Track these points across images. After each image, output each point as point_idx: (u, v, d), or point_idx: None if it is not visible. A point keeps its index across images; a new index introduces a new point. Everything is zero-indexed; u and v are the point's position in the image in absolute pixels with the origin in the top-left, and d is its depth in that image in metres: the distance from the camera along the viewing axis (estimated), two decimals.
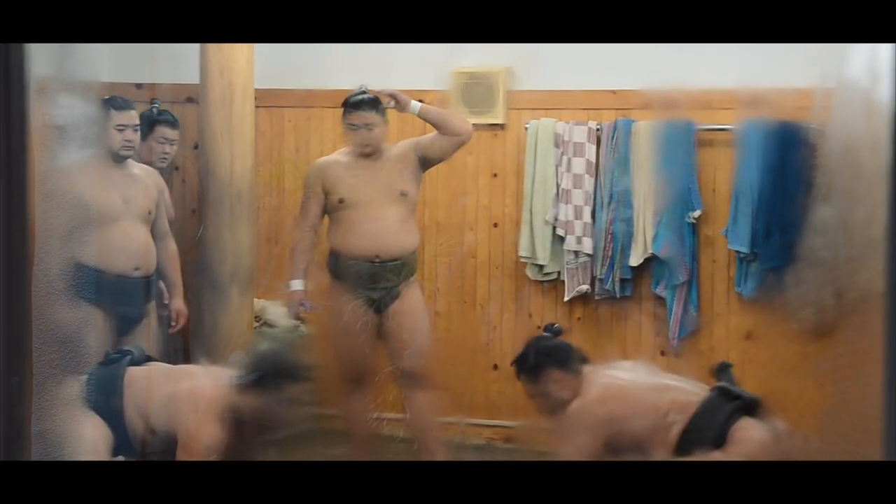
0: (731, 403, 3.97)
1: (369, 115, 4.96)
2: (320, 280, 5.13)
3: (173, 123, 5.54)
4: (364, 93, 5.01)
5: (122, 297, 4.64)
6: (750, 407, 4.00)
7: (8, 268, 1.66)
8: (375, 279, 4.95)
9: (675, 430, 3.95)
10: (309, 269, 5.06)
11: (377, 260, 4.94)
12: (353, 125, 4.98)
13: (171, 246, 5.03)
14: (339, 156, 5.13)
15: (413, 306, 5.03)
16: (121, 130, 4.72)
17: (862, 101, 3.53)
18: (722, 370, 4.25)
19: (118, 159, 4.77)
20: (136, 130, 4.80)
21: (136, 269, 4.70)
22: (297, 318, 5.11)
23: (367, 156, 5.00)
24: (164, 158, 5.41)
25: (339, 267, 5.00)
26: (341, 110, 5.09)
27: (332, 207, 5.02)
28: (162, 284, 5.01)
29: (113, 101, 4.78)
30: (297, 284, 5.02)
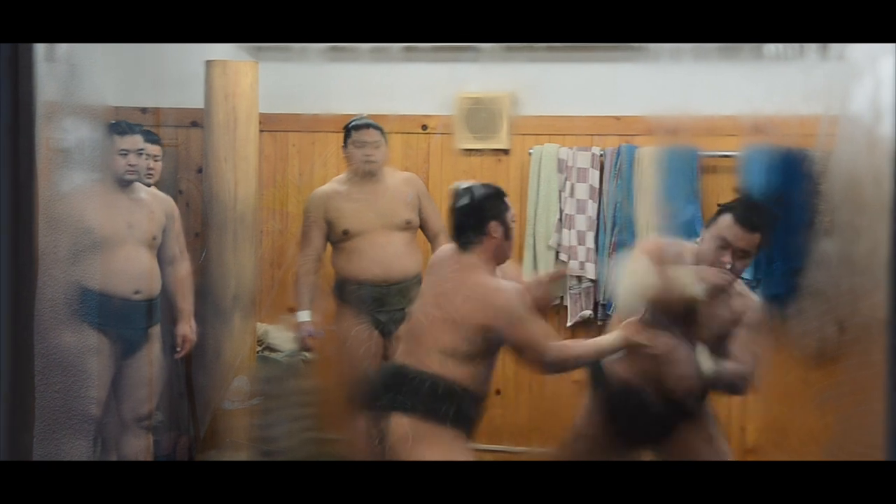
0: None
1: (376, 134, 5.08)
2: (327, 305, 5.16)
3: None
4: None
5: (123, 320, 4.64)
6: None
7: (14, 294, 1.66)
8: (381, 302, 5.02)
9: None
10: (315, 297, 5.12)
11: (382, 284, 5.00)
12: (362, 142, 5.06)
13: (180, 271, 5.02)
14: (339, 185, 5.17)
15: None
16: (124, 155, 4.73)
17: (865, 137, 3.54)
18: None
19: (123, 184, 4.77)
20: (139, 155, 4.80)
21: (137, 292, 4.69)
22: (305, 347, 5.15)
23: (370, 176, 5.06)
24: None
25: (345, 292, 5.07)
26: (344, 135, 5.15)
27: (336, 238, 5.09)
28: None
29: (116, 126, 4.78)
30: (304, 315, 5.10)
